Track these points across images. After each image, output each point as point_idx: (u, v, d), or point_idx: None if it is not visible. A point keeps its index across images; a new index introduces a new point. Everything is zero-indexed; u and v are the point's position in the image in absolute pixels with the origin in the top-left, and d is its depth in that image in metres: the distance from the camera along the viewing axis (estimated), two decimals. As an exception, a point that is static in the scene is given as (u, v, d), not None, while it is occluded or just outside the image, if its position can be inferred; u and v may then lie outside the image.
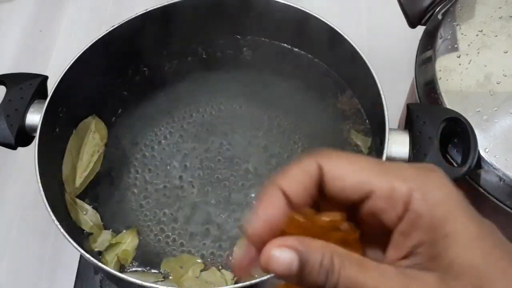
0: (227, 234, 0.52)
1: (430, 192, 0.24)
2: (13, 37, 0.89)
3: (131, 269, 0.51)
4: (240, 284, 0.42)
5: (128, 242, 0.51)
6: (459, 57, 0.53)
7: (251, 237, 0.23)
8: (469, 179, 0.49)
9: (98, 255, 0.51)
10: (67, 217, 0.52)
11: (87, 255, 0.45)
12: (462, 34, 0.54)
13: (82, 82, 0.57)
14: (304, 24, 0.58)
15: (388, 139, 0.48)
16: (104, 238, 0.52)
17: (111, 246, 0.51)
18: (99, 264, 0.45)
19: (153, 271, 0.50)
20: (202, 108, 0.60)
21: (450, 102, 0.51)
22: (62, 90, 0.54)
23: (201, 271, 0.50)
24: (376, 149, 0.55)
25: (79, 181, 0.54)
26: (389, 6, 0.66)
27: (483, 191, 0.49)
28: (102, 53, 0.57)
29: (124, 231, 0.52)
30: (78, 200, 0.53)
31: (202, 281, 0.49)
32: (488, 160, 0.48)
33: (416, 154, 0.47)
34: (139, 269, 0.50)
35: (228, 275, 0.49)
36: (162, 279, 0.50)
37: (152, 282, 0.44)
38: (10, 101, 0.53)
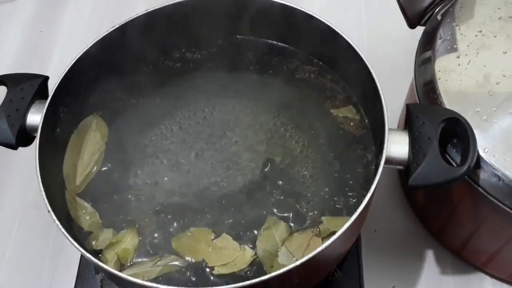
0: (228, 234, 0.52)
1: None
2: (14, 38, 0.89)
3: (135, 260, 0.51)
4: (240, 284, 0.42)
5: (128, 240, 0.51)
6: (458, 57, 0.53)
7: None
8: (469, 179, 0.50)
9: (98, 253, 0.51)
10: (67, 216, 0.52)
11: (87, 255, 0.45)
12: (462, 34, 0.54)
13: (83, 82, 0.57)
14: (304, 24, 0.58)
15: (388, 139, 0.48)
16: (104, 236, 0.52)
17: (111, 244, 0.51)
18: (99, 263, 0.45)
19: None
20: (202, 108, 0.60)
21: (449, 102, 0.51)
22: (63, 90, 0.54)
23: (213, 239, 0.51)
24: (376, 149, 0.55)
25: (79, 179, 0.55)
26: (388, 6, 0.67)
27: (482, 191, 0.49)
28: (103, 53, 0.57)
29: (124, 230, 0.52)
30: (78, 199, 0.54)
31: (216, 249, 0.50)
32: (487, 160, 0.48)
33: (416, 154, 0.47)
34: (145, 259, 0.51)
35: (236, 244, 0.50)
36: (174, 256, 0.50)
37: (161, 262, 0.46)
38: (11, 101, 0.53)
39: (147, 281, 0.48)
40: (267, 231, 0.51)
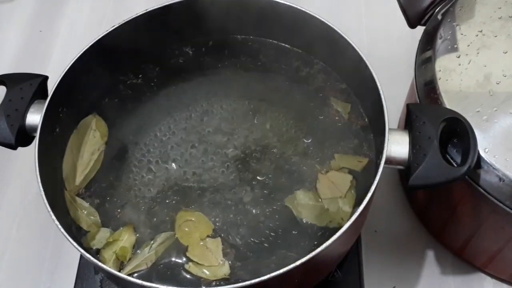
0: (226, 236, 0.52)
1: None
2: (13, 37, 0.89)
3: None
4: (240, 284, 0.42)
5: (125, 239, 0.51)
6: (458, 57, 0.53)
7: None
8: (469, 179, 0.50)
9: (96, 253, 0.51)
10: (67, 216, 0.52)
11: (87, 255, 0.45)
12: (462, 34, 0.54)
13: (83, 82, 0.57)
14: (304, 24, 0.58)
15: (388, 139, 0.48)
16: (102, 235, 0.52)
17: (108, 244, 0.51)
18: (99, 263, 0.45)
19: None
20: (202, 108, 0.60)
21: (449, 102, 0.51)
22: (63, 90, 0.54)
23: (208, 236, 0.51)
24: (376, 149, 0.55)
25: (79, 179, 0.54)
26: (388, 6, 0.67)
27: (482, 191, 0.49)
28: (102, 53, 0.57)
29: (121, 228, 0.52)
30: (77, 198, 0.53)
31: (204, 246, 0.50)
32: (487, 160, 0.48)
33: (416, 154, 0.47)
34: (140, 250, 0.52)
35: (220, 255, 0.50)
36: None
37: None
38: (10, 101, 0.53)
39: (150, 266, 0.50)
40: (301, 207, 0.52)
